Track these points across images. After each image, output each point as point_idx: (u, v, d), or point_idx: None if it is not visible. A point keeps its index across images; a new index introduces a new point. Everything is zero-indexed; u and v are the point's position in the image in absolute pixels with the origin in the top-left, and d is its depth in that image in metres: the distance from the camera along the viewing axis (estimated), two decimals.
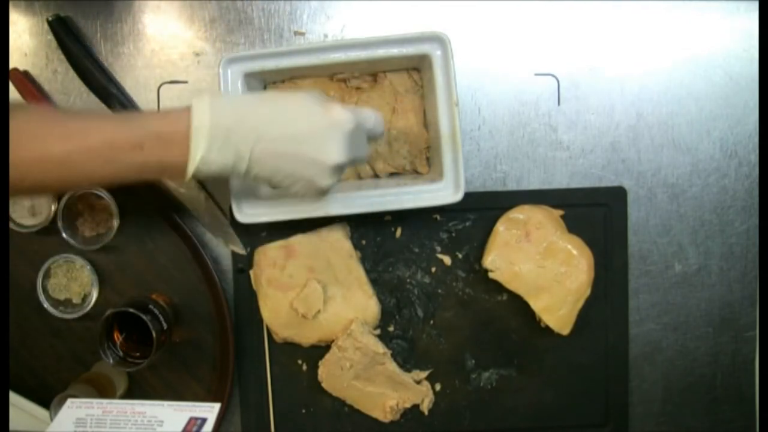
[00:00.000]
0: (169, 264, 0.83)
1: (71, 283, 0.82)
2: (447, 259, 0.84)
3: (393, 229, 0.84)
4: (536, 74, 0.83)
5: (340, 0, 0.82)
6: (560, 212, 0.82)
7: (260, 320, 0.83)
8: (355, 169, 0.82)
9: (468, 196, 0.76)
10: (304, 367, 0.85)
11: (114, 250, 0.83)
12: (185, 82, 0.83)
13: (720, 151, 0.84)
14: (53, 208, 0.80)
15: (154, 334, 0.75)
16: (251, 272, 0.82)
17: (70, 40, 0.80)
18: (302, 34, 0.83)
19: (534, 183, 0.84)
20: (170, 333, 0.79)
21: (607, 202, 0.83)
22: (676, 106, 0.84)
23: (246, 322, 0.84)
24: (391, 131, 0.81)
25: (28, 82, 0.82)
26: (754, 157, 0.84)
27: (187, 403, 0.65)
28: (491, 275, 0.80)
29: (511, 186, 0.84)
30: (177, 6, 0.82)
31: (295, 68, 0.76)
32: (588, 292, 0.80)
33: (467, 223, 0.84)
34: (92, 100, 0.82)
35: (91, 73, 0.81)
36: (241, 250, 0.84)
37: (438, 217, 0.84)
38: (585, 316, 0.81)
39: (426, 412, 0.84)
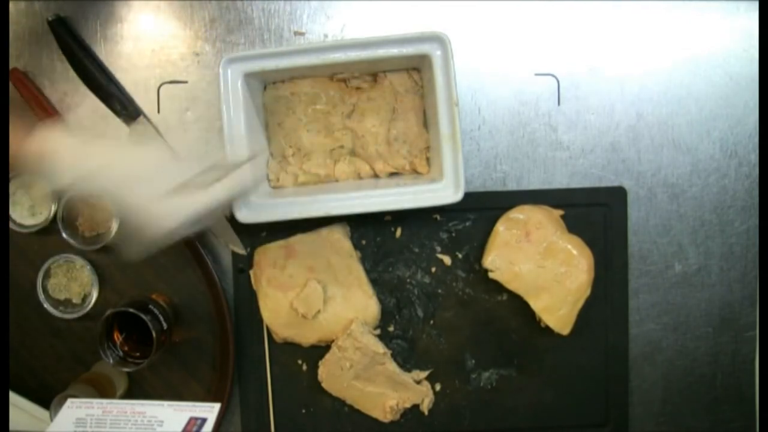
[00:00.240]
0: (169, 264, 0.83)
1: (71, 283, 0.82)
2: (447, 259, 0.84)
3: (393, 229, 0.84)
4: (536, 74, 0.83)
5: (340, 0, 0.82)
6: (560, 212, 0.82)
7: (260, 320, 0.83)
8: (355, 168, 0.82)
9: (468, 196, 0.76)
10: (304, 367, 0.85)
11: (114, 250, 0.83)
12: (185, 82, 0.83)
13: (720, 151, 0.84)
14: (53, 208, 0.80)
15: (154, 334, 0.75)
16: (251, 272, 0.82)
17: (70, 40, 0.80)
18: (302, 34, 0.83)
19: (534, 183, 0.84)
20: (170, 333, 0.79)
21: (607, 202, 0.83)
22: (676, 106, 0.84)
23: (246, 322, 0.84)
24: (391, 131, 0.81)
25: (28, 82, 0.82)
26: (754, 157, 0.84)
27: (187, 403, 0.65)
28: (491, 275, 0.80)
29: (511, 186, 0.84)
30: (177, 6, 0.82)
31: (295, 68, 0.76)
32: (588, 292, 0.80)
33: (467, 223, 0.84)
34: (92, 100, 0.82)
35: (91, 73, 0.81)
36: (241, 250, 0.84)
37: (438, 217, 0.84)
38: (585, 316, 0.81)
39: (426, 412, 0.84)
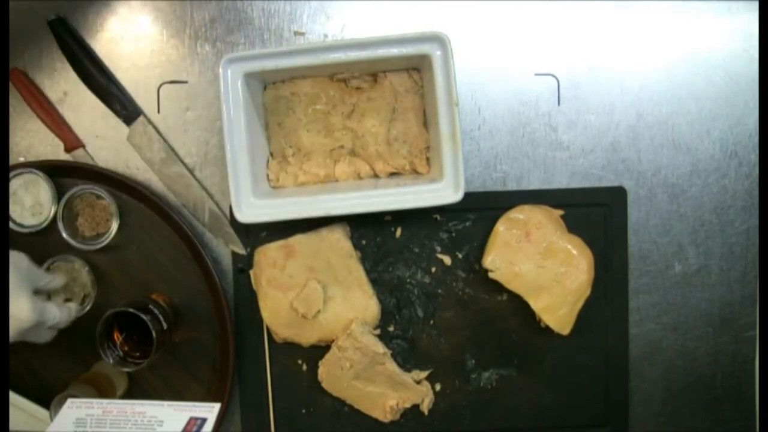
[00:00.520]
0: (169, 264, 0.83)
1: (71, 283, 0.82)
2: (447, 259, 0.84)
3: (393, 229, 0.84)
4: (536, 74, 0.83)
5: (340, 0, 0.82)
6: (560, 212, 0.82)
7: (260, 320, 0.83)
8: (355, 169, 0.82)
9: (468, 196, 0.76)
10: (304, 367, 0.85)
11: (114, 250, 0.83)
12: (185, 82, 0.83)
13: (720, 151, 0.84)
14: (53, 208, 0.80)
15: (154, 334, 0.75)
16: (251, 272, 0.82)
17: (70, 40, 0.80)
18: (302, 34, 0.83)
19: (534, 183, 0.84)
20: (170, 333, 0.79)
21: (607, 202, 0.83)
22: (676, 106, 0.84)
23: (246, 322, 0.84)
24: (391, 131, 0.81)
25: (28, 82, 0.82)
26: (754, 157, 0.84)
27: (187, 403, 0.65)
28: (491, 275, 0.80)
29: (511, 186, 0.84)
30: (177, 6, 0.82)
31: (295, 68, 0.76)
32: (588, 292, 0.80)
33: (467, 223, 0.84)
34: (92, 100, 0.82)
35: (91, 73, 0.81)
36: (241, 250, 0.84)
37: (438, 217, 0.84)
38: (585, 316, 0.81)
39: (426, 412, 0.84)
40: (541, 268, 0.79)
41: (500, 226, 0.80)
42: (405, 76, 0.80)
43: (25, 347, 0.83)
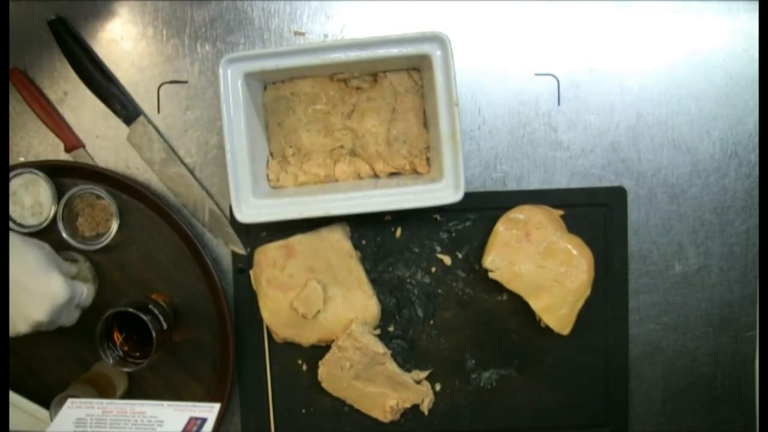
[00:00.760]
0: (169, 264, 0.83)
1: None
2: (447, 259, 0.84)
3: (393, 229, 0.84)
4: (536, 74, 0.83)
5: (340, 0, 0.82)
6: (560, 212, 0.82)
7: (260, 320, 0.83)
8: (355, 169, 0.82)
9: (468, 196, 0.76)
10: (304, 367, 0.85)
11: (114, 250, 0.83)
12: (185, 82, 0.83)
13: (720, 151, 0.84)
14: (53, 208, 0.80)
15: (154, 334, 0.75)
16: (251, 272, 0.82)
17: (70, 40, 0.80)
18: (302, 34, 0.83)
19: (534, 183, 0.84)
20: (170, 333, 0.79)
21: (607, 202, 0.83)
22: (676, 106, 0.84)
23: (246, 322, 0.84)
24: (391, 131, 0.81)
25: (28, 82, 0.82)
26: (754, 157, 0.84)
27: (187, 403, 0.65)
28: (491, 275, 0.80)
29: (511, 186, 0.84)
30: (177, 6, 0.82)
31: (295, 68, 0.76)
32: (588, 292, 0.80)
33: (467, 223, 0.84)
34: (92, 100, 0.82)
35: (91, 73, 0.81)
36: (241, 250, 0.84)
37: (438, 217, 0.84)
38: (585, 316, 0.81)
39: (426, 412, 0.84)
40: (541, 268, 0.79)
41: (500, 226, 0.80)
42: (405, 76, 0.80)
43: (25, 347, 0.83)
